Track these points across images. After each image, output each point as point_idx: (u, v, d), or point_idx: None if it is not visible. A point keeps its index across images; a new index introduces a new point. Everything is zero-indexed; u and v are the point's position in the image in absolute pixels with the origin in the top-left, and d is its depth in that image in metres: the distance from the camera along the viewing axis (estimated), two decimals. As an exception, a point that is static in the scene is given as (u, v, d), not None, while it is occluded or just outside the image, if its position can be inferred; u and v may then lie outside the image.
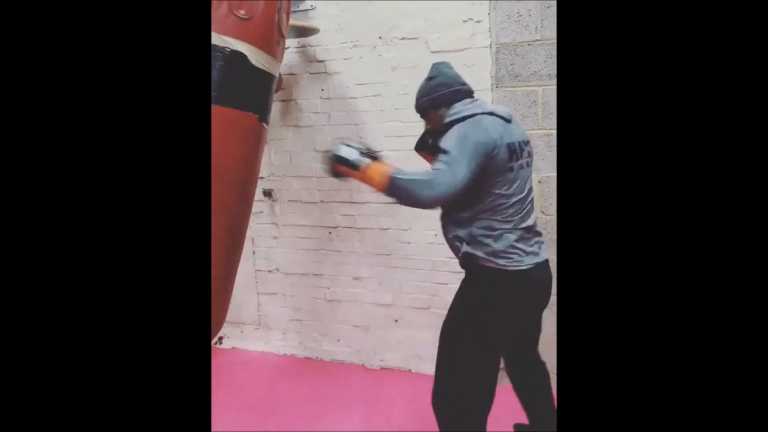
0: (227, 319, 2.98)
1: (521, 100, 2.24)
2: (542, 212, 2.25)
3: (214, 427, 2.22)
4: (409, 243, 2.56)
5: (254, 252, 2.89)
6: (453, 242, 1.57)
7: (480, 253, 1.49)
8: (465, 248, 1.52)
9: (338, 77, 2.57)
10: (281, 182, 2.78)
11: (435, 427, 1.63)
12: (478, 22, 2.28)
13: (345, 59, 2.53)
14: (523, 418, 1.91)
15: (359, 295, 2.71)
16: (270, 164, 2.77)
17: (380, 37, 2.45)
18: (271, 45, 1.74)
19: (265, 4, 1.66)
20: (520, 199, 1.51)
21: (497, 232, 1.48)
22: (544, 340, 1.77)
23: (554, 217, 2.23)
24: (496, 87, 2.27)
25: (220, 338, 3.07)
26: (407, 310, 2.61)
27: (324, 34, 2.53)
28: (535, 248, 1.54)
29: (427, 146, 1.71)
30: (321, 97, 2.62)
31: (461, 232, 1.53)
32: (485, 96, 2.29)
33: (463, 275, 1.61)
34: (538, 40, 2.20)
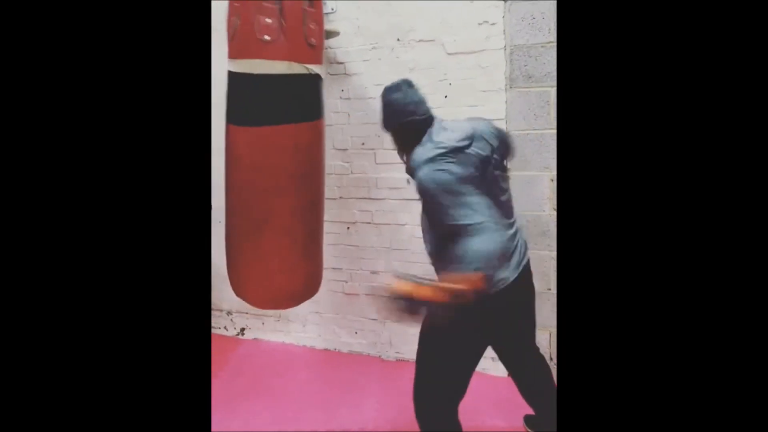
0: (249, 311, 3.10)
1: (534, 101, 2.30)
2: (553, 209, 2.30)
3: (235, 414, 2.33)
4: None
5: (275, 246, 2.99)
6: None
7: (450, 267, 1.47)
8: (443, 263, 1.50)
9: (357, 78, 2.65)
10: (302, 179, 2.87)
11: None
12: (493, 24, 2.34)
13: (364, 61, 2.61)
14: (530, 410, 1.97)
15: (376, 289, 2.79)
16: (291, 162, 2.87)
17: (398, 40, 2.53)
18: (309, 56, 1.74)
19: (287, 29, 1.62)
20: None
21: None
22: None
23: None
24: (510, 88, 2.34)
25: (243, 329, 3.18)
26: (422, 304, 2.68)
27: (344, 37, 2.62)
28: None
29: None
30: (341, 98, 2.71)
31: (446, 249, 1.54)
32: (499, 96, 2.36)
33: None
34: (551, 42, 2.25)
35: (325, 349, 2.96)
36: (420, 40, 2.49)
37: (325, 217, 2.84)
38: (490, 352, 2.50)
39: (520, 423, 2.12)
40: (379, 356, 2.84)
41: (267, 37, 1.55)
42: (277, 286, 1.74)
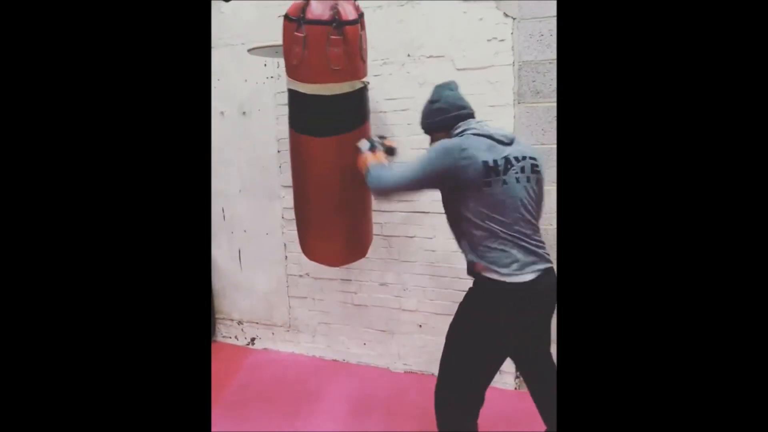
0: (260, 321, 3.15)
1: (542, 116, 2.33)
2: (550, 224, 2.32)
3: (243, 423, 2.36)
4: (433, 251, 2.66)
5: (286, 257, 3.03)
6: (462, 250, 1.68)
7: (481, 262, 1.57)
8: (468, 257, 1.63)
9: (369, 92, 2.69)
10: (313, 191, 2.92)
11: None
12: (502, 41, 2.38)
13: (375, 75, 2.66)
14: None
15: (385, 301, 2.82)
16: (303, 174, 2.92)
17: (408, 55, 2.57)
18: (363, 72, 2.04)
19: (348, 54, 1.89)
20: (513, 209, 1.56)
21: (494, 243, 1.55)
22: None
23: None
24: (518, 103, 2.37)
25: (253, 339, 3.22)
26: (431, 316, 2.70)
27: (356, 52, 2.67)
28: (534, 258, 1.58)
29: None
30: (352, 112, 2.75)
31: (464, 242, 1.64)
32: (508, 111, 2.39)
33: None
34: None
35: (334, 360, 2.99)
36: (430, 56, 2.54)
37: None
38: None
39: (527, 436, 2.12)
40: (387, 368, 2.86)
41: (337, 67, 1.83)
42: (341, 246, 2.20)
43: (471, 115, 1.75)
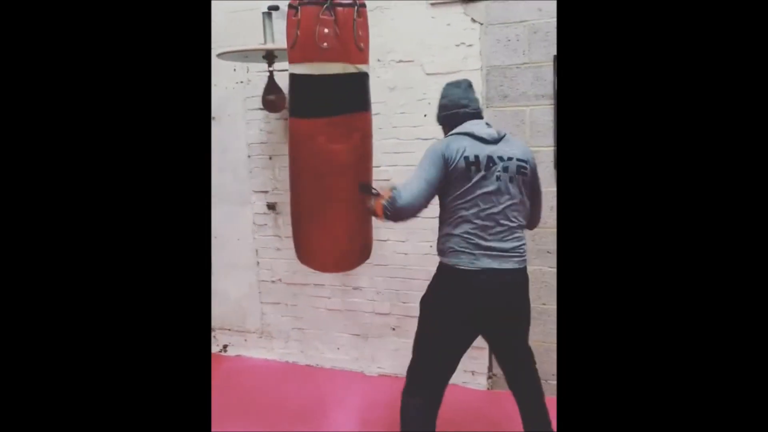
0: (232, 327, 3.12)
1: (510, 119, 2.38)
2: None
3: (218, 430, 2.32)
4: (406, 254, 2.68)
5: (258, 263, 3.01)
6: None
7: (442, 247, 1.71)
8: (438, 245, 1.73)
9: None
10: (285, 196, 2.89)
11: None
12: (470, 46, 2.42)
13: (345, 80, 2.67)
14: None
15: (358, 305, 2.82)
16: (274, 179, 2.91)
17: (378, 60, 2.59)
18: (358, 58, 1.98)
19: (340, 37, 1.89)
20: (487, 206, 1.64)
21: (458, 231, 1.65)
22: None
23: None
24: (487, 107, 2.41)
25: (225, 346, 3.18)
26: (404, 319, 2.71)
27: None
28: (496, 255, 1.64)
29: None
30: (323, 116, 2.75)
31: (441, 231, 1.74)
32: (477, 115, 2.42)
33: None
34: (525, 63, 2.34)
35: (308, 365, 2.97)
36: (400, 61, 2.56)
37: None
38: (469, 365, 2.55)
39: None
40: (362, 372, 2.86)
41: (325, 45, 1.83)
42: (340, 251, 2.09)
43: (473, 114, 1.80)
